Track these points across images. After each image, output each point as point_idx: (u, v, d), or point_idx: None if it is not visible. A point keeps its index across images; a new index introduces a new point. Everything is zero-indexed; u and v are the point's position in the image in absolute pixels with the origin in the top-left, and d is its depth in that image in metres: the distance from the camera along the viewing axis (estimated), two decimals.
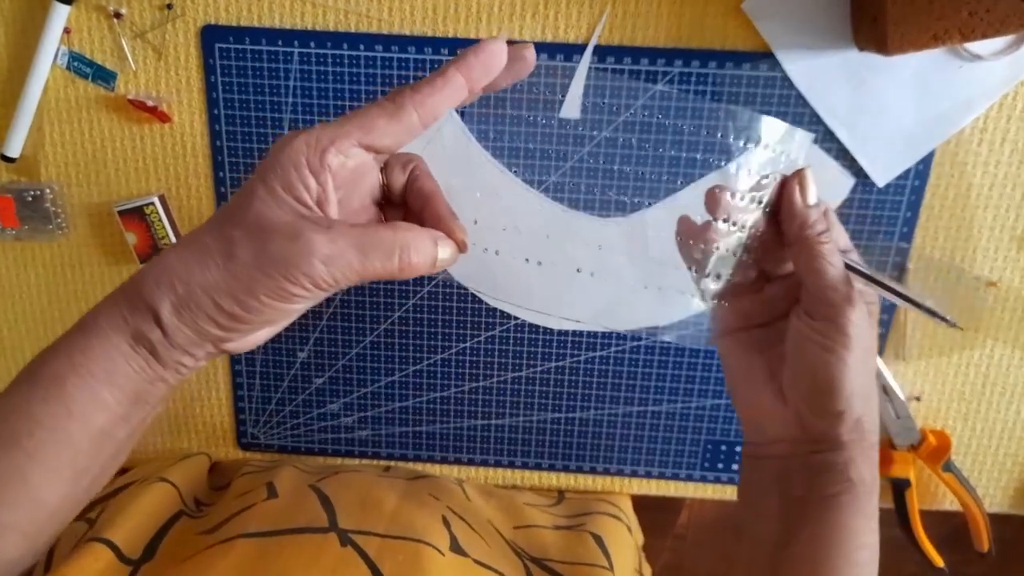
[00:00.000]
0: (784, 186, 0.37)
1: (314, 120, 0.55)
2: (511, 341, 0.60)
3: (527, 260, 0.38)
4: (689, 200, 0.38)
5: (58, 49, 0.53)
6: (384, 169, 0.36)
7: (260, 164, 0.33)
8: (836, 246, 0.36)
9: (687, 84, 0.52)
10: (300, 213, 0.32)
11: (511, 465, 0.64)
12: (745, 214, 0.37)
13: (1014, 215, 0.54)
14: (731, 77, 0.52)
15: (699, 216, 0.38)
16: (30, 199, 0.56)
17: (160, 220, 0.56)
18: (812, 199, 0.37)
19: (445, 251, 0.34)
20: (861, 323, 0.35)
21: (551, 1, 0.51)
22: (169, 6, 0.52)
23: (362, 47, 0.53)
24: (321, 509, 0.46)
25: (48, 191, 0.56)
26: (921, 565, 0.62)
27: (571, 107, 0.50)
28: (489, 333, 0.59)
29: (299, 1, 0.52)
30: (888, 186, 0.54)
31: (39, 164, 0.57)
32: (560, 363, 0.60)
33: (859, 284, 0.36)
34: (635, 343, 0.59)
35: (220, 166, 0.56)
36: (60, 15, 0.52)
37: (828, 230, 0.36)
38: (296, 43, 0.53)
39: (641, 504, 0.65)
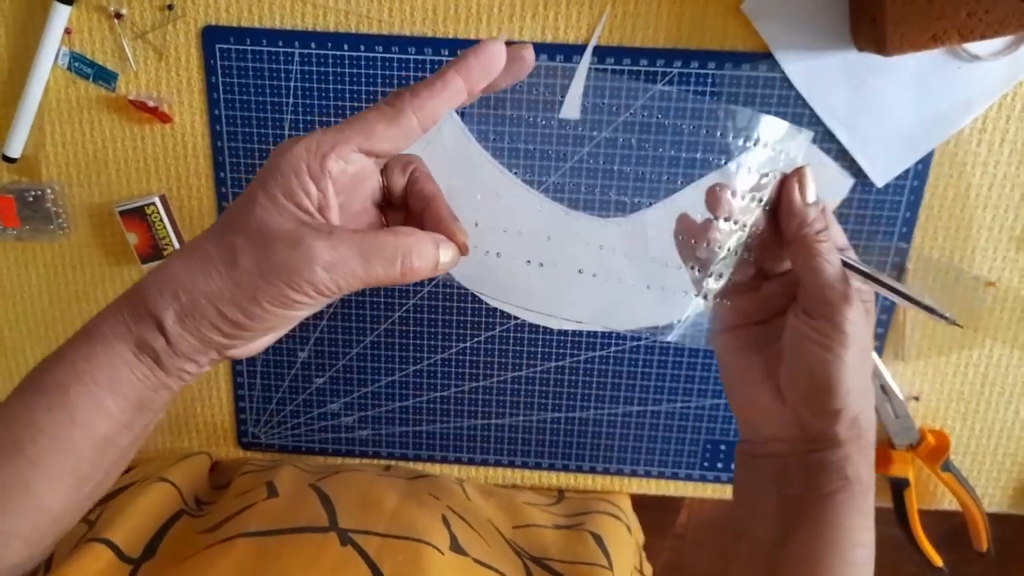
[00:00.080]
0: (783, 184, 0.38)
1: (315, 120, 0.55)
2: (511, 341, 0.60)
3: (528, 262, 0.38)
4: (689, 200, 0.38)
5: (59, 50, 0.53)
6: (384, 171, 0.36)
7: (260, 170, 0.33)
8: (834, 244, 0.37)
9: (687, 84, 0.52)
10: (301, 220, 0.32)
11: (511, 464, 0.64)
12: (745, 212, 0.37)
13: (1013, 215, 0.54)
14: (730, 78, 0.52)
15: (699, 215, 0.38)
16: (31, 199, 0.57)
17: (161, 220, 0.56)
18: (811, 197, 0.37)
19: (447, 254, 0.34)
20: (858, 321, 0.35)
21: (551, 2, 0.52)
22: (170, 7, 0.52)
23: (362, 48, 0.53)
24: (321, 508, 0.46)
25: (49, 191, 0.57)
26: (920, 565, 0.62)
27: (571, 108, 0.50)
28: (489, 333, 0.60)
29: (299, 2, 0.52)
30: (887, 186, 0.54)
31: (40, 164, 0.57)
32: (560, 363, 0.60)
33: (856, 282, 0.37)
34: (635, 343, 0.59)
35: (221, 166, 0.56)
36: (61, 16, 0.52)
37: (826, 228, 0.37)
38: (297, 44, 0.53)
39: (641, 503, 0.66)
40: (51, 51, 0.53)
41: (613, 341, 0.59)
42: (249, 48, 0.53)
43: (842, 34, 0.50)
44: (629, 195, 0.42)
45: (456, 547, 0.45)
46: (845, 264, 0.36)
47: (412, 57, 0.53)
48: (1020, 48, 0.49)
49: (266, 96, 0.54)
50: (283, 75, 0.54)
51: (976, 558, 0.61)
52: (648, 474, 0.63)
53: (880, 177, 0.53)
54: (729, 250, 0.38)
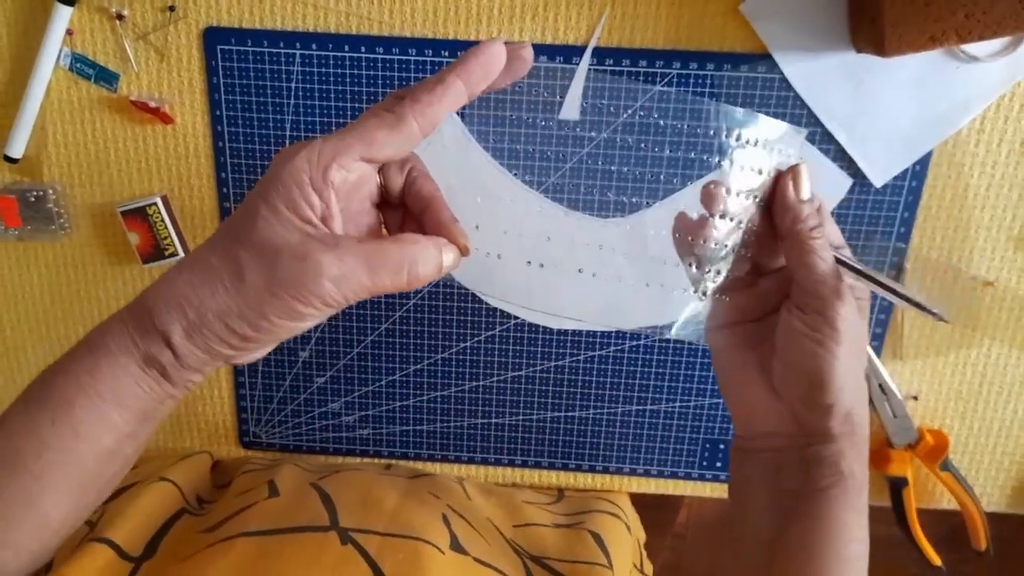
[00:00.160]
0: (778, 181, 0.38)
1: (316, 121, 0.55)
2: (511, 340, 0.60)
3: (529, 263, 0.38)
4: (688, 200, 0.39)
5: (60, 50, 0.54)
6: (381, 170, 0.36)
7: (262, 180, 0.32)
8: (828, 241, 0.37)
9: (686, 85, 0.53)
10: (305, 232, 0.31)
11: (511, 463, 0.64)
12: (741, 210, 0.38)
13: (1011, 215, 0.54)
14: (729, 78, 0.52)
15: (695, 213, 0.38)
16: (33, 199, 0.57)
17: (163, 221, 0.56)
18: (806, 194, 0.37)
19: (449, 257, 0.34)
20: (850, 317, 0.35)
21: (551, 3, 0.52)
22: (171, 8, 0.53)
23: (363, 49, 0.53)
24: (322, 507, 0.46)
25: (51, 191, 0.57)
26: (919, 564, 0.62)
27: (570, 108, 0.50)
28: (489, 333, 0.60)
29: (300, 3, 0.53)
30: (886, 187, 0.54)
31: (42, 165, 0.57)
32: (560, 362, 0.60)
33: (850, 280, 0.37)
34: (635, 343, 0.59)
35: (222, 167, 0.57)
36: (62, 16, 0.52)
37: (820, 225, 0.37)
38: (297, 45, 0.53)
39: (640, 502, 0.66)
40: (53, 52, 0.53)
41: (613, 341, 0.59)
42: (250, 49, 0.54)
43: (841, 35, 0.50)
44: (628, 195, 0.42)
45: (456, 546, 0.46)
46: (838, 261, 0.36)
47: (413, 58, 0.53)
48: (1018, 49, 0.49)
49: (267, 97, 0.55)
50: (284, 76, 0.54)
51: (975, 557, 0.61)
52: (648, 473, 0.63)
53: (878, 177, 0.54)
54: (725, 247, 0.38)
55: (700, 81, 0.53)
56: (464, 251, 0.35)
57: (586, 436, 0.63)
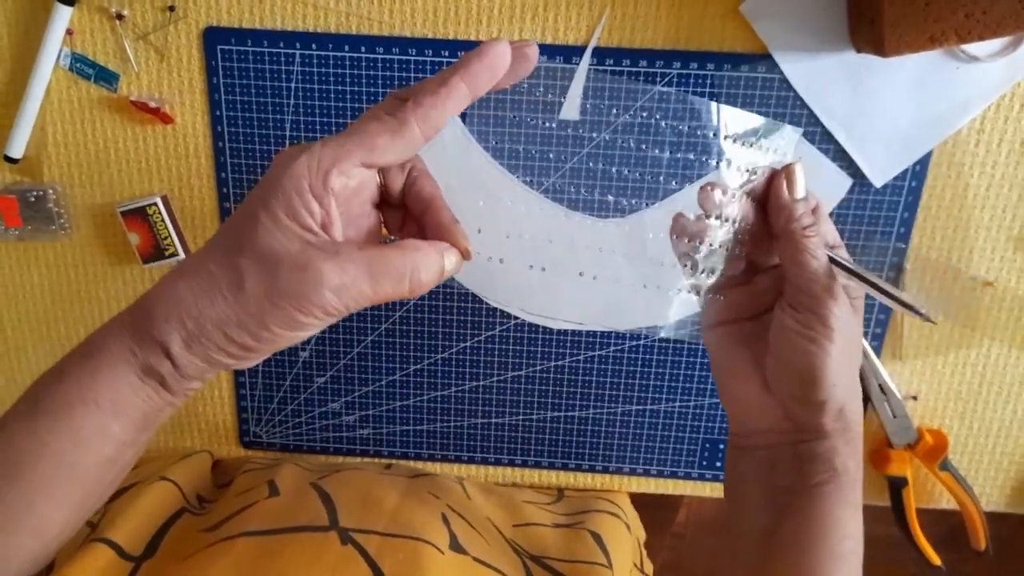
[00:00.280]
0: (772, 180, 0.38)
1: (316, 121, 0.55)
2: (511, 340, 0.60)
3: (531, 267, 0.38)
4: (687, 201, 0.39)
5: (60, 50, 0.54)
6: (382, 171, 0.36)
7: (261, 184, 0.32)
8: (823, 240, 0.37)
9: (686, 85, 0.53)
10: (306, 239, 0.31)
11: (511, 463, 0.64)
12: (736, 209, 0.38)
13: (1011, 215, 0.54)
14: (729, 78, 0.52)
15: (692, 213, 0.38)
16: (33, 199, 0.57)
17: (163, 221, 0.56)
18: (799, 193, 0.38)
19: (451, 261, 0.34)
20: (843, 315, 0.35)
21: (551, 3, 0.52)
22: (171, 8, 0.53)
23: (363, 49, 0.53)
24: (322, 507, 0.46)
25: (51, 191, 0.57)
26: (919, 563, 0.62)
27: (571, 109, 0.50)
28: (489, 333, 0.60)
29: (300, 3, 0.53)
30: (885, 187, 0.54)
31: (42, 165, 0.57)
32: (560, 362, 0.60)
33: (844, 279, 0.37)
34: (634, 343, 0.59)
35: (223, 167, 0.57)
36: (62, 16, 0.52)
37: (814, 224, 0.37)
38: (298, 45, 0.53)
39: (640, 502, 0.66)
40: (53, 52, 0.53)
41: (613, 341, 0.59)
42: (250, 49, 0.54)
43: (840, 35, 0.50)
44: (628, 196, 0.42)
45: (456, 546, 0.46)
46: (831, 260, 0.37)
47: (413, 58, 0.53)
48: (1018, 49, 0.49)
49: (267, 97, 0.55)
50: (284, 76, 0.54)
51: (974, 557, 0.61)
52: (647, 472, 0.64)
53: (878, 177, 0.54)
54: (722, 246, 0.39)
55: (700, 81, 0.53)
56: (466, 254, 0.35)
57: (586, 436, 0.63)
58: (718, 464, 0.63)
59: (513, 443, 0.63)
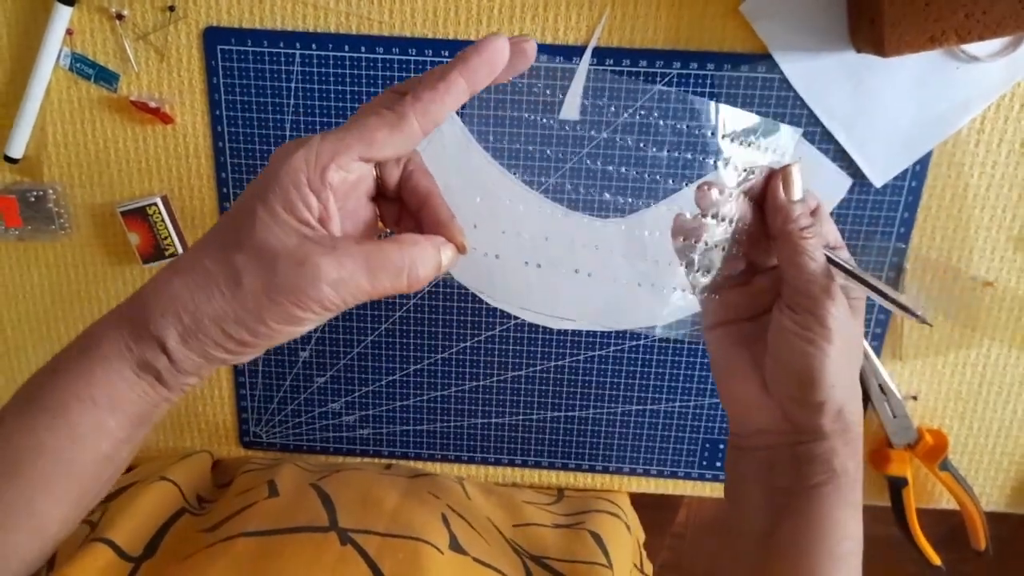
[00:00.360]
0: (769, 180, 0.38)
1: (315, 121, 0.55)
2: (511, 340, 0.60)
3: (527, 263, 0.38)
4: (686, 201, 0.39)
5: (60, 50, 0.54)
6: (378, 164, 0.35)
7: (259, 179, 0.32)
8: (822, 241, 0.37)
9: (686, 85, 0.53)
10: (303, 234, 0.31)
11: (511, 463, 0.64)
12: (735, 209, 0.38)
13: (1011, 215, 0.54)
14: (729, 78, 0.52)
15: (690, 213, 0.38)
16: (33, 199, 0.57)
17: (163, 221, 0.56)
18: (796, 194, 0.38)
19: (447, 256, 0.34)
20: (841, 316, 0.35)
21: (551, 3, 0.52)
22: (171, 8, 0.53)
23: (363, 49, 0.53)
24: (321, 508, 0.46)
25: (51, 191, 0.57)
26: (919, 564, 0.62)
27: (571, 108, 0.50)
28: (489, 333, 0.60)
29: (300, 3, 0.53)
30: (885, 187, 0.54)
31: (42, 165, 0.57)
32: (560, 362, 0.60)
33: (843, 280, 0.37)
34: (634, 343, 0.59)
35: (223, 167, 0.57)
36: (62, 16, 0.52)
37: (812, 225, 0.37)
38: (297, 45, 0.53)
39: (640, 502, 0.66)
40: (53, 52, 0.53)
41: (613, 341, 0.59)
42: (250, 49, 0.54)
43: (840, 35, 0.50)
44: (627, 196, 0.42)
45: (456, 546, 0.46)
46: (829, 260, 0.37)
47: (412, 58, 0.53)
48: (1018, 49, 0.49)
49: (267, 97, 0.55)
50: (284, 76, 0.54)
51: (974, 557, 0.61)
52: (647, 473, 0.64)
53: (878, 177, 0.54)
54: (720, 246, 0.39)
55: (700, 81, 0.53)
56: (461, 249, 0.35)
57: (586, 436, 0.63)
58: (718, 464, 0.63)
59: (513, 443, 0.63)
